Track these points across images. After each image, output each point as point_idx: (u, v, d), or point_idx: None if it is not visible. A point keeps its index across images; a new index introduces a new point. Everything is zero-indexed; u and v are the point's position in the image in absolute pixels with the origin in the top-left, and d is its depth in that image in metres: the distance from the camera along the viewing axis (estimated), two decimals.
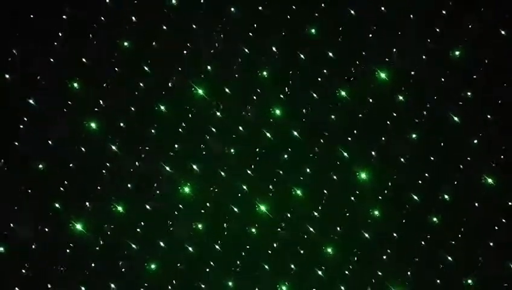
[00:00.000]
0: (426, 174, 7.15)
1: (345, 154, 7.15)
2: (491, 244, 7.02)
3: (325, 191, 7.22)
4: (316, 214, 7.22)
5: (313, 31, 7.06)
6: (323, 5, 7.02)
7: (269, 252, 7.21)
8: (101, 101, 7.11)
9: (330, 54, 7.08)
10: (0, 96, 7.04)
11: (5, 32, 7.01)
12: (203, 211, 7.23)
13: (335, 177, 7.20)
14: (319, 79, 7.14)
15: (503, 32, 6.83)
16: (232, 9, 7.12)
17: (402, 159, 7.15)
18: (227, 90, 7.16)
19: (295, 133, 7.16)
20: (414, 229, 7.18)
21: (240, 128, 7.20)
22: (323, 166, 7.22)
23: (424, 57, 7.05)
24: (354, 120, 7.15)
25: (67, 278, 7.12)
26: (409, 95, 7.10)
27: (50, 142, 7.09)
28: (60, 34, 7.02)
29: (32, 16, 6.97)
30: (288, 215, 7.23)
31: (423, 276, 7.14)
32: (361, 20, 7.07)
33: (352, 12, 7.02)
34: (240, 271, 7.21)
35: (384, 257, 7.17)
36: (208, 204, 7.24)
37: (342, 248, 7.19)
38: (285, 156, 7.22)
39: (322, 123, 7.18)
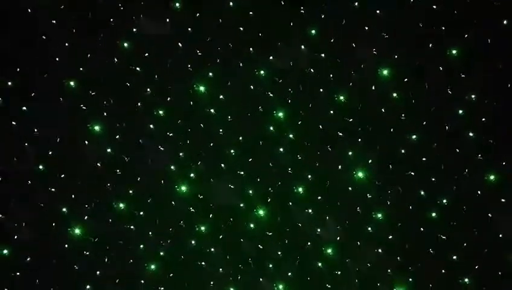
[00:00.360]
0: (426, 174, 7.17)
1: (346, 155, 7.18)
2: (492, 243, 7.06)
3: (325, 191, 7.26)
4: (316, 214, 7.26)
5: (313, 32, 7.07)
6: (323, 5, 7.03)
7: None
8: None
9: (330, 55, 7.10)
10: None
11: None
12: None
13: (336, 178, 7.22)
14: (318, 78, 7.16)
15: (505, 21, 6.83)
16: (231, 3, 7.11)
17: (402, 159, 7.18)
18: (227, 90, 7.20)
19: (295, 133, 7.20)
20: (414, 229, 7.21)
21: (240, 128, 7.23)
22: (323, 166, 7.25)
23: (423, 56, 7.05)
24: (355, 121, 7.17)
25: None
26: (410, 95, 7.11)
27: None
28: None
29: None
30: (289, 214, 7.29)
31: (425, 274, 7.18)
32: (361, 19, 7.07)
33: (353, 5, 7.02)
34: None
35: (385, 256, 7.21)
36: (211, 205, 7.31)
37: (343, 247, 7.24)
38: (285, 154, 7.26)
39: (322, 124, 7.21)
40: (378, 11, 6.98)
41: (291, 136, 7.18)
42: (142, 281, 7.23)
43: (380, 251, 7.19)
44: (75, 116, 7.15)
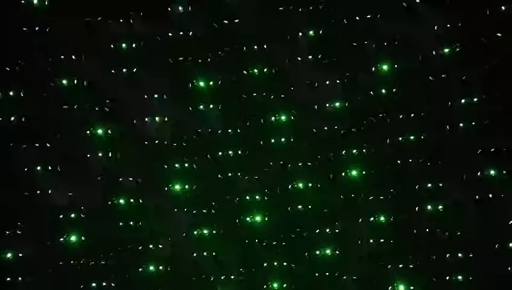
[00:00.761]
0: (427, 174, 7.17)
1: (344, 154, 7.18)
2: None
3: (326, 191, 7.27)
4: (317, 213, 7.26)
5: (311, 32, 7.05)
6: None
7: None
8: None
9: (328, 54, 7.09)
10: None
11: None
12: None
13: (336, 177, 7.23)
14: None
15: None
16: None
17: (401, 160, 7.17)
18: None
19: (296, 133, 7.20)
20: (414, 228, 7.21)
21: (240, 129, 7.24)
22: (323, 166, 7.25)
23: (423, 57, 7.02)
24: (354, 121, 7.16)
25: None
26: (410, 95, 7.10)
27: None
28: None
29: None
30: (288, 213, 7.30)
31: (425, 272, 7.18)
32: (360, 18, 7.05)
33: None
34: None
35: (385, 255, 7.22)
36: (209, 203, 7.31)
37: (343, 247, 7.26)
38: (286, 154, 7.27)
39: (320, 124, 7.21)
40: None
41: (288, 136, 7.19)
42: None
43: (379, 248, 7.21)
44: (75, 117, 7.16)
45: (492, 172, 6.99)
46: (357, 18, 6.96)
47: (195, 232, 7.28)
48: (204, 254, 7.28)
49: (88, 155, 7.15)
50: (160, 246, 7.26)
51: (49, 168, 7.09)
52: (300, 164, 7.23)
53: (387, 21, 6.94)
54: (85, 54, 6.97)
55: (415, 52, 6.98)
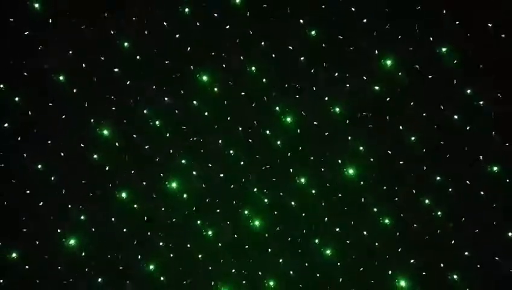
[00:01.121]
0: (427, 174, 7.18)
1: (346, 151, 7.19)
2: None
3: (328, 191, 7.27)
4: (318, 213, 7.26)
5: (313, 32, 7.06)
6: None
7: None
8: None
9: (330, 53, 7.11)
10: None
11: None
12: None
13: (336, 177, 7.23)
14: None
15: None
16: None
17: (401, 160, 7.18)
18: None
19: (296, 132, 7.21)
20: (415, 225, 7.22)
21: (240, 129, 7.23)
22: (323, 166, 7.25)
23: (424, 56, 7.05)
24: (355, 120, 7.17)
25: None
26: (410, 95, 7.12)
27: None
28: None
29: None
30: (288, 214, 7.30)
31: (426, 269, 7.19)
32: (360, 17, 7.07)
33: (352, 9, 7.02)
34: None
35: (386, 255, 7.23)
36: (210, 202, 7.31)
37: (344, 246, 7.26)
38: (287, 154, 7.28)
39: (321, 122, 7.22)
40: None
41: (289, 136, 7.19)
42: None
43: (381, 245, 7.21)
44: (75, 116, 7.15)
45: (492, 171, 7.01)
46: (357, 18, 6.98)
47: (195, 232, 7.28)
48: (205, 254, 7.27)
49: (88, 155, 7.14)
50: (161, 245, 7.25)
51: (49, 168, 7.09)
52: (300, 164, 7.23)
53: (387, 21, 6.96)
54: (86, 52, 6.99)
55: (415, 52, 7.01)
